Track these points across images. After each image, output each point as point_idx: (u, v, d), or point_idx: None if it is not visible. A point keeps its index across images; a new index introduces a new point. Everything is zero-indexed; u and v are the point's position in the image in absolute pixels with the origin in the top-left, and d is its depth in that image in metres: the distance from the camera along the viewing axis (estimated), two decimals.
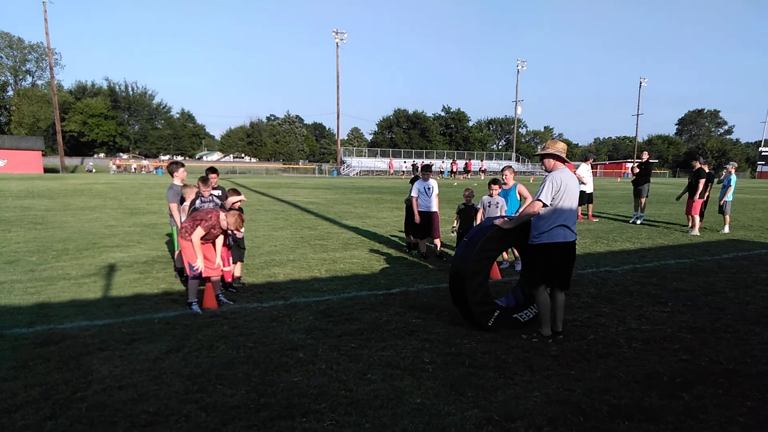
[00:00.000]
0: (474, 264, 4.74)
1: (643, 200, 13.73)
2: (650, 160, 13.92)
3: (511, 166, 7.85)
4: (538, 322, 4.84)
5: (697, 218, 11.70)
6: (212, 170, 6.67)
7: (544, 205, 4.52)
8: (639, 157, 14.11)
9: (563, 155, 4.70)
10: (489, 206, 7.45)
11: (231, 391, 3.52)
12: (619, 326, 5.05)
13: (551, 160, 4.70)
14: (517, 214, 4.97)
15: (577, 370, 3.97)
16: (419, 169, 8.91)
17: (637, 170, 13.89)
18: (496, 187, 7.41)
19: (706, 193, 12.05)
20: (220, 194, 6.74)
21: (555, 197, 4.51)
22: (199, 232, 5.27)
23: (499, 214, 7.21)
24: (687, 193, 12.07)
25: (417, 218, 8.34)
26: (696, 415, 3.28)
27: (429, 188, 8.35)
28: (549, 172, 4.68)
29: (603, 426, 3.13)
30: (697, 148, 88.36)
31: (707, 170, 12.15)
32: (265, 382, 3.68)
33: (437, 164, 57.98)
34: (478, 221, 7.44)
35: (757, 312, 5.58)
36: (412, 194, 8.44)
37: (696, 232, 11.54)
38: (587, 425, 3.13)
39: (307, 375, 3.81)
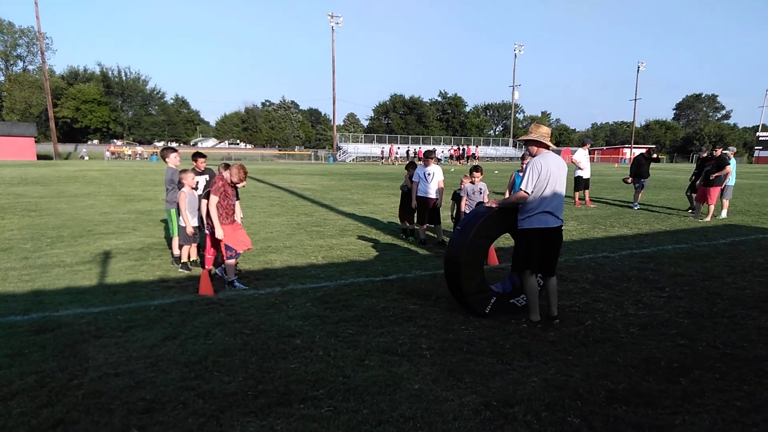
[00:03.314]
0: (468, 251, 4.72)
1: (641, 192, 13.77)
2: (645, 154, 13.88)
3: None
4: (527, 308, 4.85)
5: (713, 207, 11.61)
6: (199, 155, 6.93)
7: (527, 194, 4.52)
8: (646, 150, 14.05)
9: (545, 140, 4.64)
10: (473, 193, 7.48)
11: (228, 378, 3.51)
12: (617, 311, 5.06)
13: (537, 144, 4.66)
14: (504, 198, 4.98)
15: (574, 356, 3.98)
16: (422, 155, 8.84)
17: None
18: (478, 174, 7.44)
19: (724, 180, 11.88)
20: (209, 178, 6.92)
21: (537, 183, 4.49)
22: (213, 199, 5.55)
23: (481, 200, 7.28)
24: (701, 178, 11.85)
25: (414, 203, 8.32)
26: (693, 400, 3.29)
27: (428, 174, 8.30)
28: (533, 157, 4.66)
29: (601, 411, 3.13)
30: (694, 133, 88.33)
31: (731, 156, 12.02)
32: (263, 368, 3.67)
33: (438, 151, 57.73)
34: (463, 208, 7.48)
35: (754, 297, 5.59)
36: (413, 179, 8.40)
37: (709, 218, 11.48)
38: (585, 410, 3.13)
39: (304, 361, 3.80)
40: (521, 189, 4.53)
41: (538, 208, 4.51)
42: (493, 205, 4.80)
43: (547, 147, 4.68)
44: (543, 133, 4.67)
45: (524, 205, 4.60)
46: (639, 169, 13.47)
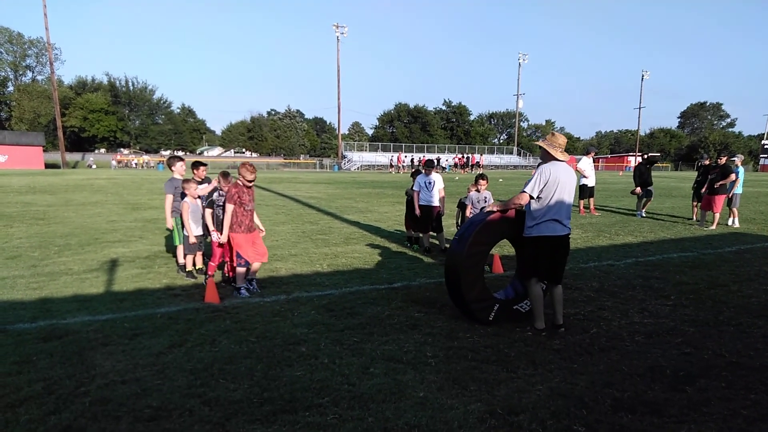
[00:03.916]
0: (467, 260, 4.72)
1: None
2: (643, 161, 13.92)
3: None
4: (531, 315, 4.85)
5: (718, 215, 11.54)
6: (199, 163, 7.00)
7: (531, 198, 4.54)
8: (647, 156, 14.03)
9: (555, 150, 4.64)
10: (478, 202, 7.51)
11: (234, 386, 3.53)
12: (622, 320, 5.05)
13: (545, 152, 4.69)
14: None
15: (579, 364, 3.97)
16: (421, 164, 8.92)
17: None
18: (483, 182, 7.48)
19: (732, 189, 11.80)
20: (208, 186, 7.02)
21: (543, 191, 4.51)
22: (229, 207, 5.61)
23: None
24: (707, 187, 11.77)
25: (417, 212, 8.35)
26: (699, 408, 3.28)
27: (430, 183, 8.35)
28: (544, 163, 4.69)
29: (606, 419, 3.13)
30: (699, 141, 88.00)
31: (738, 164, 12.00)
32: (268, 376, 3.68)
33: (442, 159, 57.73)
34: (468, 216, 7.48)
35: (760, 305, 5.57)
36: (414, 188, 8.45)
37: (714, 227, 11.44)
38: (590, 418, 3.13)
39: (309, 369, 3.81)
40: (524, 191, 4.54)
41: (546, 215, 4.53)
42: (494, 209, 4.83)
43: (555, 157, 4.69)
44: (557, 143, 4.68)
45: (532, 213, 4.60)
46: (642, 177, 13.46)
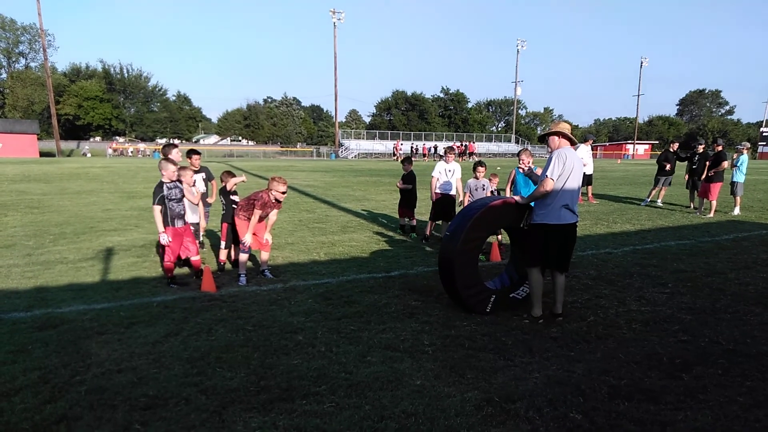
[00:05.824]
0: (460, 256, 4.67)
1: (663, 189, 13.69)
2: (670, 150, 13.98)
3: (527, 149, 7.54)
4: (529, 302, 4.84)
5: (715, 203, 11.55)
6: (193, 152, 6.93)
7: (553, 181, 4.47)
8: (670, 147, 14.06)
9: (569, 134, 4.64)
10: (476, 190, 7.45)
11: (230, 374, 3.52)
12: (619, 307, 5.05)
13: (556, 139, 4.64)
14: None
15: (577, 352, 3.97)
16: (443, 150, 8.75)
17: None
18: (482, 169, 7.41)
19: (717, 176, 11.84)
20: (205, 176, 6.94)
21: (561, 175, 4.45)
22: (257, 213, 5.68)
23: (485, 196, 7.19)
24: (702, 174, 11.81)
25: (433, 197, 8.20)
26: (695, 396, 3.29)
27: (450, 170, 8.20)
28: (553, 150, 4.63)
29: (603, 407, 3.13)
30: (698, 128, 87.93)
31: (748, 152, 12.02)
32: (265, 364, 3.67)
33: (440, 147, 57.51)
34: (465, 204, 7.39)
35: (757, 293, 5.58)
36: (433, 174, 8.30)
37: (711, 214, 11.44)
38: (587, 406, 3.13)
39: (306, 357, 3.80)
40: (548, 176, 4.45)
41: (558, 202, 4.48)
42: (521, 201, 4.81)
43: (572, 142, 4.65)
44: (564, 128, 4.66)
45: (545, 199, 4.55)
46: (670, 163, 13.49)
